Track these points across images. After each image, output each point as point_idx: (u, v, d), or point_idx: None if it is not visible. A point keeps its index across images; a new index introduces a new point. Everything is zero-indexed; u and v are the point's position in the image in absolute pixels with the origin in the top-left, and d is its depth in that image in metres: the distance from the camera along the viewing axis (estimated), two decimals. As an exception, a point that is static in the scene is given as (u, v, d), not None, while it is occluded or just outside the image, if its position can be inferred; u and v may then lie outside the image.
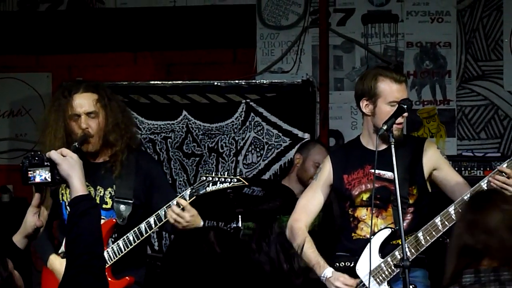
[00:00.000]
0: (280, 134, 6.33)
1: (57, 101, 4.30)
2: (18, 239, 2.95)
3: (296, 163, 5.65)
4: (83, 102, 4.24)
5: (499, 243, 3.00)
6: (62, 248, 4.31)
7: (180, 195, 4.13)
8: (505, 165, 4.06)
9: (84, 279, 2.72)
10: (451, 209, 4.09)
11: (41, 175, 2.86)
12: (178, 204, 4.09)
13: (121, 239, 4.22)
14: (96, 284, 2.74)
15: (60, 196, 4.33)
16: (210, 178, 4.11)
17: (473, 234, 3.03)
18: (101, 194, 4.31)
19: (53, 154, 2.85)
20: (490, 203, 3.10)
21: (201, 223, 4.16)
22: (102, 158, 4.34)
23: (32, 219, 2.92)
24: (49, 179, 2.86)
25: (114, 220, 4.27)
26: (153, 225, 4.17)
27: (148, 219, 4.17)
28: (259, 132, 6.37)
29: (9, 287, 2.52)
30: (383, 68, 4.56)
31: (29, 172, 2.86)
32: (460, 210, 3.94)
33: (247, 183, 4.13)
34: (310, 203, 4.42)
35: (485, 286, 2.96)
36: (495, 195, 3.21)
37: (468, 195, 3.98)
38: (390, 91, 4.22)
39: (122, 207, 4.27)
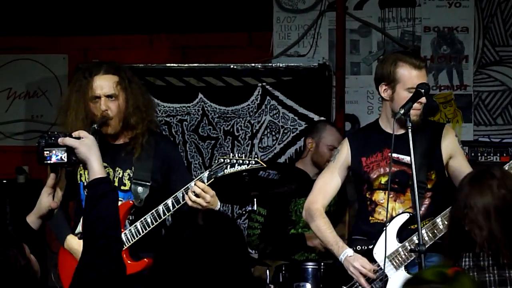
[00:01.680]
0: (296, 118, 6.32)
1: (78, 82, 4.29)
2: (32, 219, 2.90)
3: (309, 148, 5.60)
4: (104, 84, 4.22)
5: (489, 234, 2.94)
6: (79, 229, 4.31)
7: (198, 178, 4.10)
8: None
9: (102, 262, 2.70)
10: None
11: (57, 155, 2.81)
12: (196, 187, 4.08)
13: (139, 221, 4.20)
14: (113, 267, 2.73)
15: (79, 176, 4.32)
16: (228, 160, 4.07)
17: (465, 220, 2.97)
18: (120, 176, 4.30)
19: (68, 140, 2.81)
20: (486, 185, 3.02)
21: (219, 205, 4.14)
22: (122, 140, 4.32)
23: (47, 199, 2.88)
24: (65, 160, 2.81)
25: (131, 202, 4.26)
26: (171, 208, 4.13)
27: (166, 201, 4.14)
28: (274, 116, 6.35)
29: (27, 273, 2.47)
30: (403, 53, 4.51)
31: (45, 152, 2.81)
32: None
33: (265, 165, 4.08)
34: (327, 185, 4.42)
35: (484, 271, 2.92)
36: (492, 177, 3.07)
37: None
38: (410, 77, 4.19)
39: (140, 189, 4.26)
